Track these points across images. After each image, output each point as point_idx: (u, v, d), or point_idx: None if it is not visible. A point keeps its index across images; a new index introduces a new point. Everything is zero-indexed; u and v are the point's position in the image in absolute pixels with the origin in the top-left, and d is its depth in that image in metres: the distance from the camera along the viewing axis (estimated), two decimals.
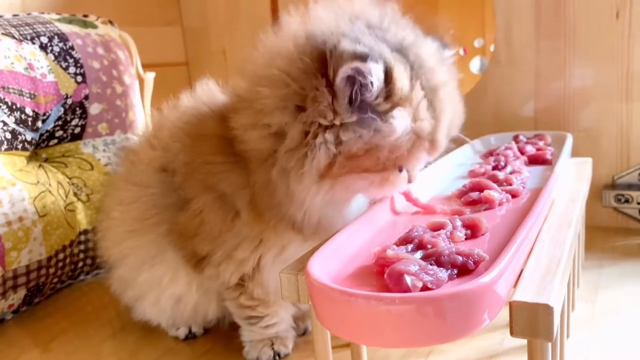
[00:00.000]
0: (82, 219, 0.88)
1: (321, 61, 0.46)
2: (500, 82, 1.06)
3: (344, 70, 0.45)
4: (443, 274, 0.39)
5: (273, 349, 0.62)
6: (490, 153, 0.75)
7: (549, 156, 0.71)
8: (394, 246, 0.43)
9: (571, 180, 0.68)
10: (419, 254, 0.42)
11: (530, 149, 0.74)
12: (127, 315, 0.76)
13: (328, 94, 0.46)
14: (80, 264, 0.89)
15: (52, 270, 0.82)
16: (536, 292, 0.39)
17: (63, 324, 0.79)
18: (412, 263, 0.39)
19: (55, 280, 0.85)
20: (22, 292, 0.78)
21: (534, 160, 0.72)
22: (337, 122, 0.47)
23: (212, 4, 1.29)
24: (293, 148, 0.48)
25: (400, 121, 0.47)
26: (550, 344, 0.39)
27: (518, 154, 0.73)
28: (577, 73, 0.98)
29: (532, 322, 0.37)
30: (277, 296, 0.61)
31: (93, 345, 0.72)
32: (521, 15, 1.01)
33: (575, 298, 0.69)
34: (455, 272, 0.40)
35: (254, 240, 0.56)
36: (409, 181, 0.54)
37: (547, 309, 0.37)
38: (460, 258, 0.40)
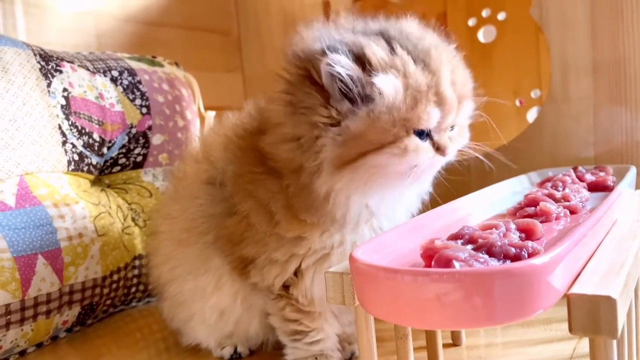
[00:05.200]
0: (138, 243, 0.90)
1: (305, 69, 0.51)
2: (557, 121, 1.04)
3: (323, 69, 0.49)
4: (494, 262, 0.37)
5: None
6: (547, 180, 0.73)
7: (610, 183, 0.68)
8: (443, 238, 0.42)
9: (636, 207, 0.65)
10: (469, 247, 0.40)
11: (590, 177, 0.71)
12: (173, 338, 0.77)
13: (319, 95, 0.50)
14: (133, 289, 0.91)
15: (106, 291, 0.83)
16: (597, 285, 0.36)
17: (112, 347, 0.80)
18: (461, 250, 0.37)
19: (109, 302, 0.86)
20: (76, 310, 0.80)
21: (594, 187, 0.68)
22: (335, 115, 0.50)
23: (271, 52, 1.35)
24: (308, 151, 0.52)
25: (386, 83, 0.49)
26: (615, 342, 0.36)
27: (577, 180, 0.70)
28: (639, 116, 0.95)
29: (593, 317, 0.35)
30: (321, 306, 0.60)
31: None
32: (578, 60, 1.00)
33: None
34: (508, 263, 0.38)
35: (293, 243, 0.56)
36: (439, 149, 0.52)
37: (609, 302, 0.34)
38: (513, 249, 0.38)
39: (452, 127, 0.56)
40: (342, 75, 0.49)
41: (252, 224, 0.57)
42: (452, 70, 0.53)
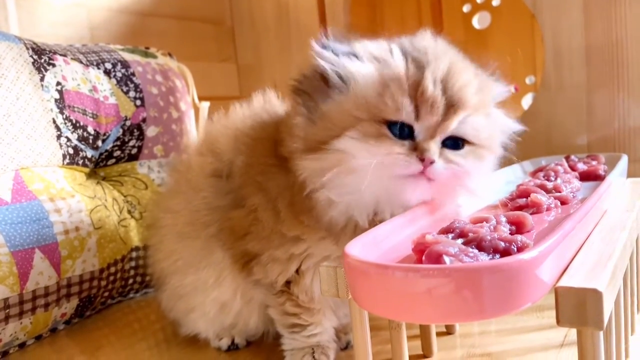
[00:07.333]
0: (134, 236, 0.91)
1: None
2: (550, 108, 1.04)
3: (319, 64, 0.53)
4: (484, 257, 0.38)
5: (314, 357, 0.60)
6: (539, 169, 0.73)
7: (601, 172, 0.69)
8: (434, 233, 0.42)
9: (626, 196, 0.66)
10: (459, 241, 0.41)
11: (581, 166, 0.72)
12: (171, 329, 0.78)
13: (320, 85, 0.53)
14: (131, 280, 0.92)
15: (103, 283, 0.84)
16: (584, 278, 0.37)
17: (110, 338, 0.81)
18: (451, 245, 0.38)
19: (106, 294, 0.87)
20: (74, 302, 0.80)
21: (586, 177, 0.69)
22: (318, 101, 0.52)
23: (265, 42, 1.35)
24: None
25: (357, 68, 0.51)
26: (601, 333, 0.37)
27: (569, 170, 0.71)
28: (633, 102, 0.95)
29: (579, 309, 0.36)
30: (320, 303, 0.61)
31: (137, 354, 0.73)
32: (572, 46, 1.00)
33: (635, 322, 0.65)
34: (498, 257, 0.39)
35: (292, 242, 0.56)
36: (416, 150, 0.49)
37: (595, 294, 0.35)
38: (502, 243, 0.39)
39: (459, 143, 0.52)
40: (326, 69, 0.52)
41: (259, 219, 0.57)
42: (448, 71, 0.51)
